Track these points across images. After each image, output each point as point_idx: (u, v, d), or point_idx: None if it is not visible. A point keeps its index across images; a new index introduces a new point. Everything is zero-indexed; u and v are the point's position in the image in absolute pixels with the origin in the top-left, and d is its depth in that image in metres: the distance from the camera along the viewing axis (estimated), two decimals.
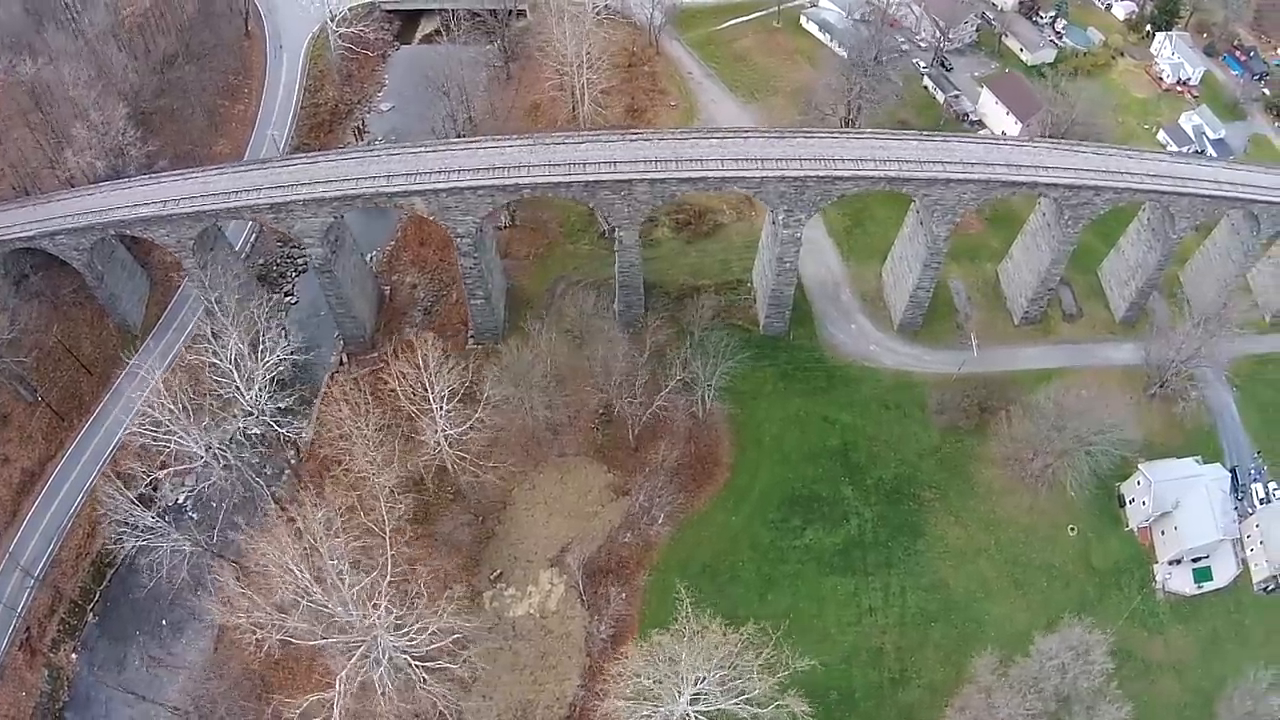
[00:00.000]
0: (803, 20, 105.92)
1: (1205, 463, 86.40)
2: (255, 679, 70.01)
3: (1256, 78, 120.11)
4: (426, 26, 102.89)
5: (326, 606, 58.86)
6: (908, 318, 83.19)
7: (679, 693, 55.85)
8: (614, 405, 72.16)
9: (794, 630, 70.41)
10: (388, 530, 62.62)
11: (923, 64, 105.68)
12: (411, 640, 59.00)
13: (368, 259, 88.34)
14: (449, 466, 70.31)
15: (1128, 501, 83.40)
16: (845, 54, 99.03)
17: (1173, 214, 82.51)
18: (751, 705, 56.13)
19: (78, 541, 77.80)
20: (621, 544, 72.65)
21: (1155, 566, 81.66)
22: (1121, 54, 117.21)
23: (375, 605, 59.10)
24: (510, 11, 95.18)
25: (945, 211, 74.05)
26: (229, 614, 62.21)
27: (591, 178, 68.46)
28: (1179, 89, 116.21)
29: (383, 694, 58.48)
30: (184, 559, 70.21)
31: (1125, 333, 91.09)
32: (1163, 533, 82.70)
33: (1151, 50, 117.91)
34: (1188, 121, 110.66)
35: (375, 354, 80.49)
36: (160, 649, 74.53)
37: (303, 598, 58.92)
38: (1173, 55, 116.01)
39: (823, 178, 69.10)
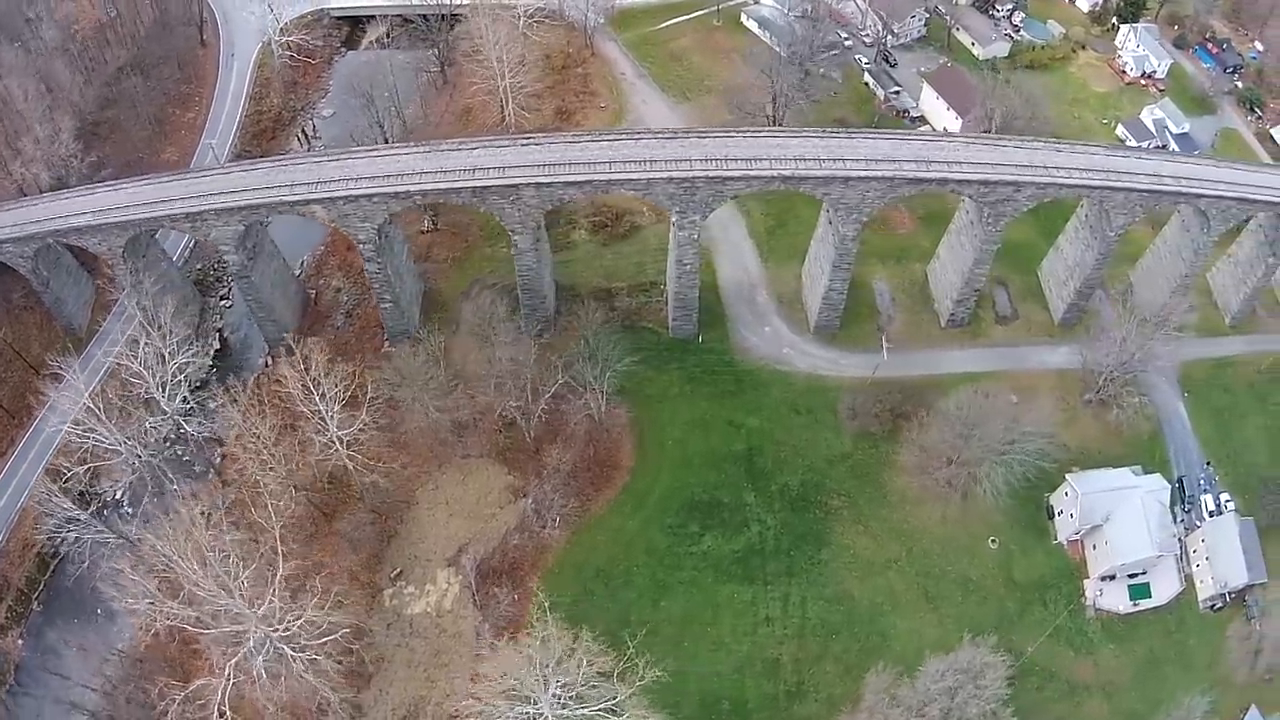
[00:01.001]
0: (743, 18, 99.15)
1: (1147, 472, 77.57)
2: (174, 665, 68.22)
3: (1229, 70, 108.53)
4: (373, 32, 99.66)
5: (207, 596, 56.70)
6: (823, 320, 76.43)
7: (537, 697, 51.75)
8: (497, 407, 67.46)
9: (686, 638, 65.65)
10: (276, 527, 60.58)
11: (864, 60, 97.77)
12: (287, 631, 56.62)
13: (300, 263, 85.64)
14: (347, 467, 66.98)
15: (1056, 513, 75.08)
16: (784, 51, 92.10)
17: (1108, 210, 73.72)
18: (598, 713, 51.74)
19: (24, 534, 77.03)
20: (515, 546, 68.27)
21: (1086, 582, 73.28)
22: (1083, 47, 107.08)
23: (255, 597, 56.68)
24: (443, 17, 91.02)
25: (850, 210, 67.25)
26: (122, 600, 61.22)
27: (480, 183, 64.34)
28: (1143, 82, 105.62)
29: (258, 682, 56.53)
30: (105, 550, 69.08)
31: (1064, 335, 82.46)
32: (1094, 547, 74.31)
33: (1116, 43, 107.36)
34: (1149, 115, 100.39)
35: (297, 356, 77.71)
36: (95, 635, 73.53)
37: (184, 586, 57.40)
38: (1137, 48, 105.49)
39: (712, 178, 63.30)
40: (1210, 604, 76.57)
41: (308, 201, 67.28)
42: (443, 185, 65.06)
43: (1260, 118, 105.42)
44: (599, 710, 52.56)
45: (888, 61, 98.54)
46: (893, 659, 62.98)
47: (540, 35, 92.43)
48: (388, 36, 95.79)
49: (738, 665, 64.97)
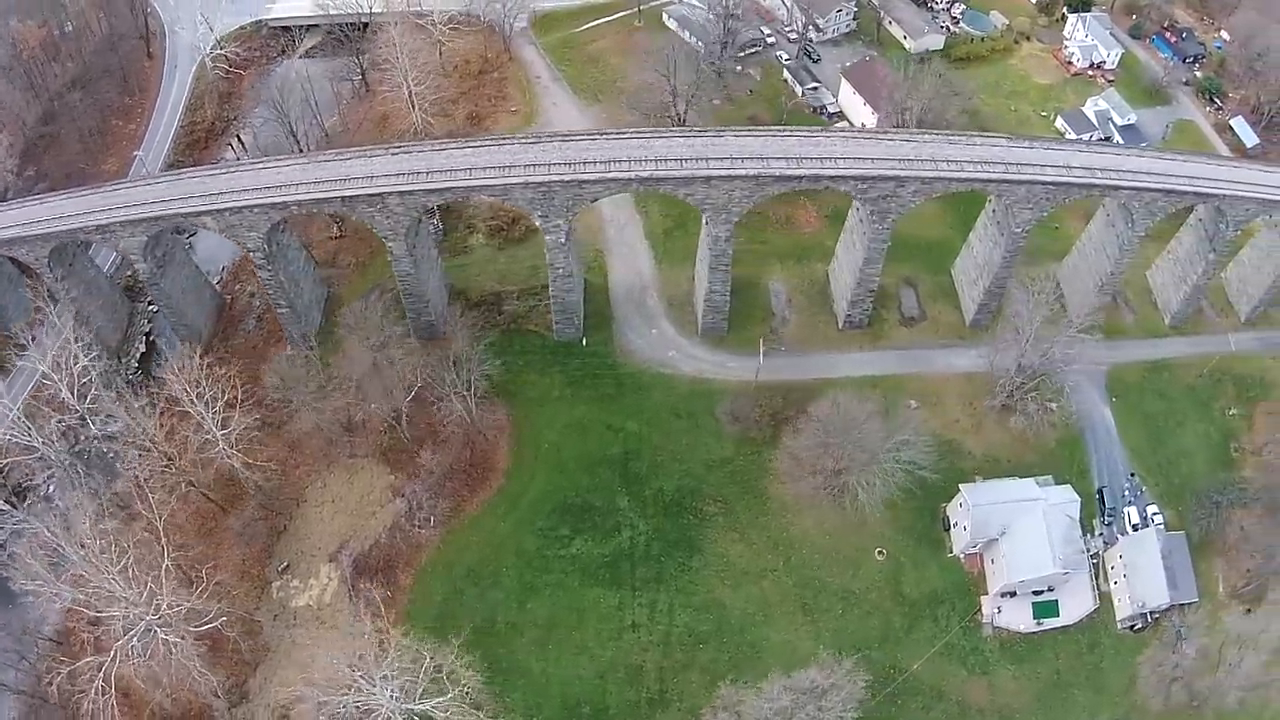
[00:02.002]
0: (665, 17, 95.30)
1: (1059, 483, 70.99)
2: (90, 646, 69.33)
3: (1189, 60, 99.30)
4: (309, 41, 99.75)
5: (93, 580, 57.97)
6: (708, 322, 72.76)
7: (372, 690, 51.59)
8: (357, 411, 66.03)
9: (551, 640, 63.25)
10: (159, 519, 61.96)
11: (786, 56, 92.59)
12: (162, 616, 57.40)
13: (221, 269, 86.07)
14: (233, 465, 66.79)
15: (952, 525, 69.20)
16: (702, 49, 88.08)
17: (1010, 205, 67.48)
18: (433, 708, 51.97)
19: None
20: (390, 544, 67.02)
21: (983, 598, 67.21)
22: (1028, 38, 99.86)
23: (139, 583, 57.66)
24: (363, 26, 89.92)
25: (719, 211, 63.65)
26: (16, 581, 63.24)
27: (349, 193, 63.29)
28: (1090, 73, 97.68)
29: (132, 661, 57.56)
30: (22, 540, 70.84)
31: (975, 337, 76.59)
32: (992, 561, 68.14)
33: (1065, 33, 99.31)
34: (1092, 106, 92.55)
35: (210, 359, 78.22)
36: (22, 616, 75.50)
37: (68, 570, 59.84)
38: (1086, 37, 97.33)
39: (569, 181, 60.54)
40: (1129, 624, 69.63)
41: (198, 214, 67.37)
42: (315, 195, 64.29)
43: (1220, 109, 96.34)
44: (432, 705, 51.82)
45: (810, 57, 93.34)
46: (763, 671, 59.17)
47: (460, 41, 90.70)
48: (318, 46, 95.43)
49: (600, 670, 62.48)
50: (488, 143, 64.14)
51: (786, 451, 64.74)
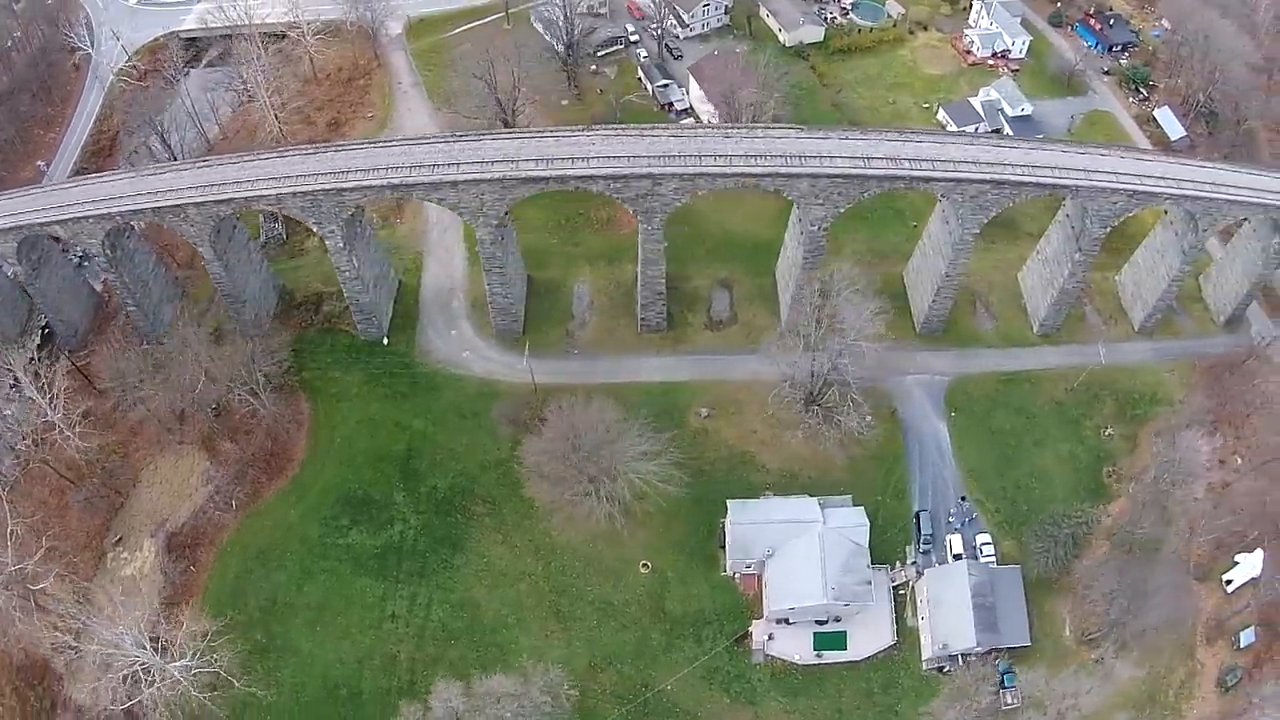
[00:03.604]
0: (531, 19, 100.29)
1: (862, 503, 70.20)
2: None
3: (1116, 49, 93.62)
4: (213, 52, 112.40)
5: None
6: (499, 324, 78.02)
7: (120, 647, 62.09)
8: (152, 401, 75.68)
9: (320, 623, 71.05)
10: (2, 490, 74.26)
11: (645, 54, 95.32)
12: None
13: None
14: (71, 448, 78.64)
15: (727, 543, 70.02)
16: (561, 50, 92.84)
17: (798, 200, 67.87)
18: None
19: None
20: (195, 525, 76.98)
21: (756, 623, 67.45)
22: (925, 27, 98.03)
23: None
24: (229, 36, 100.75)
25: (476, 215, 68.43)
26: None
27: (157, 204, 73.16)
28: (991, 63, 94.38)
29: None
30: None
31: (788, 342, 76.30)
32: (766, 585, 68.35)
33: (970, 21, 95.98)
34: (982, 97, 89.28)
35: (86, 351, 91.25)
36: None
37: None
38: (990, 25, 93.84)
39: (329, 190, 67.95)
40: (935, 665, 67.73)
41: (50, 223, 79.26)
42: (133, 207, 74.52)
43: (1146, 99, 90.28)
44: (179, 666, 61.39)
45: (671, 53, 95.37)
46: (508, 673, 63.23)
47: (333, 49, 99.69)
48: (220, 57, 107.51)
49: (360, 656, 69.89)
50: (272, 155, 72.07)
51: (526, 455, 68.40)
